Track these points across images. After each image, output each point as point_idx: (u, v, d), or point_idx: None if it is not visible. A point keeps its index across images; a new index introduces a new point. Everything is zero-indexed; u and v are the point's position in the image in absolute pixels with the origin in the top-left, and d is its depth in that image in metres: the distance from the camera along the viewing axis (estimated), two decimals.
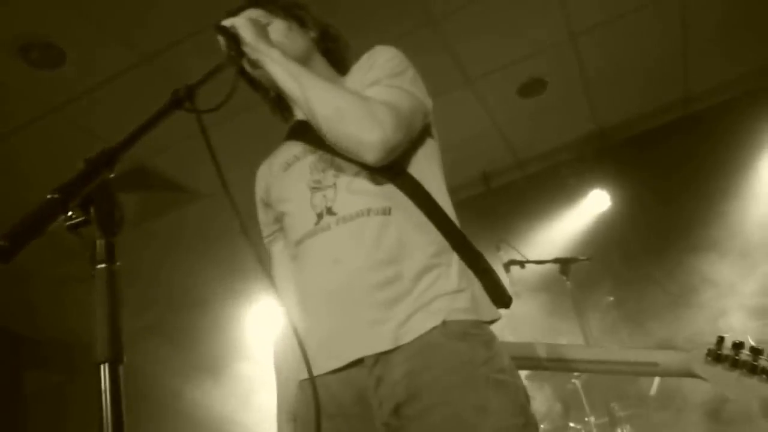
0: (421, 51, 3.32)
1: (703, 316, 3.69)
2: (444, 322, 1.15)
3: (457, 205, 1.37)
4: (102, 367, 0.75)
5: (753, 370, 1.39)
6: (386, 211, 1.23)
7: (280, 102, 1.51)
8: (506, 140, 4.55)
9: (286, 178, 1.38)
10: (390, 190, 1.26)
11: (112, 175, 0.85)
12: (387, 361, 1.14)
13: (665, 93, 4.35)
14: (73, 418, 5.15)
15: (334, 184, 1.28)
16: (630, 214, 4.26)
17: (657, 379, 3.34)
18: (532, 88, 4.04)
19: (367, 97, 1.24)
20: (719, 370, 1.44)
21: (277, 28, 1.42)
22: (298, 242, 1.31)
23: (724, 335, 1.45)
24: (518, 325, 3.34)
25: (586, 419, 3.38)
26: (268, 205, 1.47)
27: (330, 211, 1.26)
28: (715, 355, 1.44)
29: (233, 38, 1.27)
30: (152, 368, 4.51)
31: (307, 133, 1.36)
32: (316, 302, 1.25)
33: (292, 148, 1.41)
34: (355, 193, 1.26)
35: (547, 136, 4.54)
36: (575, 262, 3.49)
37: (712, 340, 1.45)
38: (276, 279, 1.44)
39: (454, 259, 1.24)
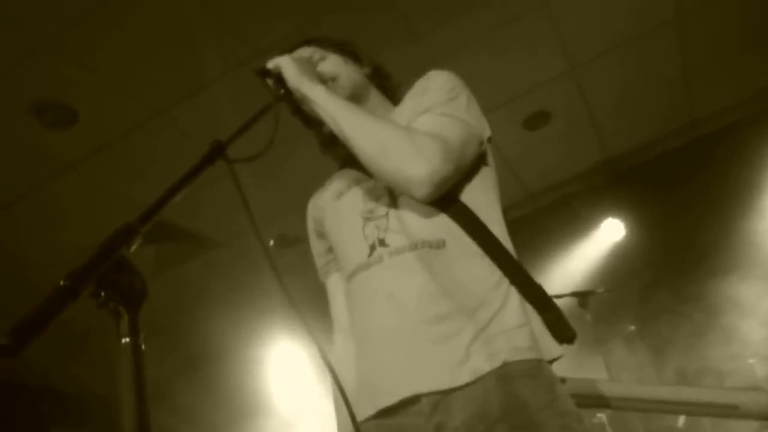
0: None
1: (727, 340, 3.65)
2: (504, 363, 1.10)
3: None
4: None
5: None
6: (440, 244, 1.19)
7: (334, 137, 1.51)
8: (515, 174, 4.57)
9: (339, 207, 1.36)
10: (444, 221, 1.21)
11: (131, 250, 0.85)
12: (446, 406, 1.09)
13: (671, 118, 4.37)
14: None
15: (387, 214, 1.25)
16: (645, 241, 4.24)
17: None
18: (537, 120, 4.08)
19: (412, 129, 1.21)
20: None
21: (333, 60, 1.44)
22: (351, 275, 1.28)
23: None
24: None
25: None
26: (321, 235, 1.45)
27: (382, 243, 1.23)
28: None
29: (278, 78, 1.27)
30: (170, 420, 4.49)
31: (359, 161, 1.33)
32: (371, 338, 1.22)
33: (345, 177, 1.39)
34: (408, 224, 1.22)
35: (556, 167, 4.56)
36: (594, 294, 3.47)
37: (742, 365, 1.40)
38: (333, 312, 1.41)
39: (512, 292, 1.18)
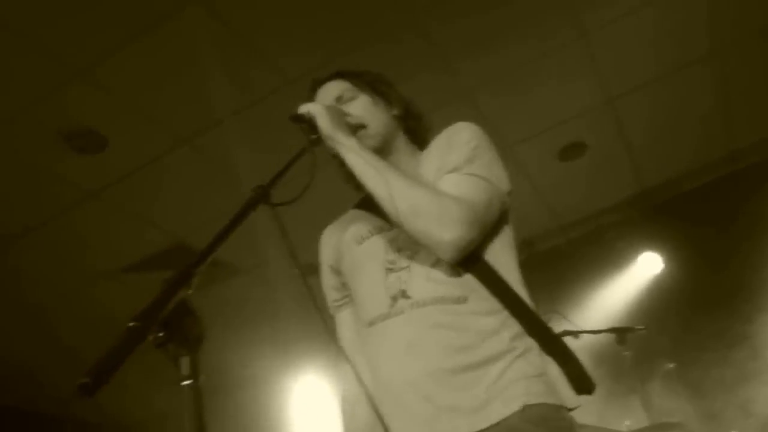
0: (458, 119, 3.46)
1: None
2: (524, 407, 1.14)
3: None
4: None
5: None
6: (462, 300, 1.24)
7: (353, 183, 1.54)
8: (548, 205, 4.54)
9: (360, 253, 1.39)
10: (465, 278, 1.26)
11: (190, 292, 0.87)
12: None
13: (708, 150, 4.32)
14: None
15: (409, 267, 1.29)
16: (684, 275, 4.15)
17: None
18: (572, 151, 4.07)
19: (442, 193, 1.26)
20: None
21: (361, 102, 1.47)
22: (371, 323, 1.32)
23: None
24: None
25: None
26: (337, 272, 1.48)
27: (404, 295, 1.27)
28: None
29: (310, 123, 1.31)
30: None
31: (380, 207, 1.36)
32: (390, 389, 1.25)
33: (366, 222, 1.42)
34: (430, 279, 1.27)
35: (590, 199, 4.52)
36: (632, 332, 3.39)
37: None
38: (344, 342, 1.44)
39: (533, 344, 1.24)
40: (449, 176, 1.30)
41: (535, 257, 4.72)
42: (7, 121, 3.00)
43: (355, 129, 1.41)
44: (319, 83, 1.53)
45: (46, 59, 2.75)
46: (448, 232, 1.20)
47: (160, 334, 0.80)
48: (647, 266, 4.34)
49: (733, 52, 3.56)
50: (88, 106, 3.02)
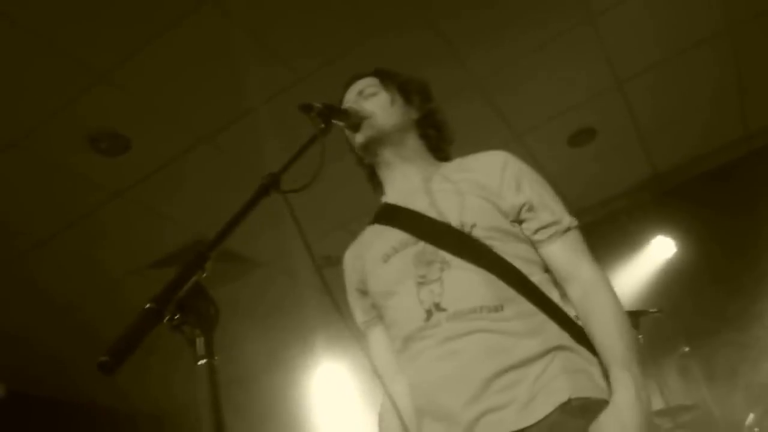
0: (468, 109, 3.52)
1: None
2: (569, 399, 1.15)
3: None
4: None
5: None
6: (498, 309, 1.24)
7: (372, 177, 1.57)
8: (559, 191, 4.52)
9: (388, 270, 1.38)
10: (500, 286, 1.26)
11: (204, 275, 0.93)
12: None
13: (723, 131, 4.31)
14: None
15: (440, 278, 1.28)
16: (698, 258, 4.16)
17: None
18: (582, 137, 4.08)
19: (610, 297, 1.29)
20: None
21: (379, 99, 1.51)
22: (407, 338, 1.31)
23: None
24: None
25: None
26: (364, 293, 1.48)
27: (439, 307, 1.26)
28: None
29: (325, 108, 1.33)
30: None
31: (400, 219, 1.39)
32: (432, 395, 1.25)
33: (389, 237, 1.40)
34: (465, 289, 1.26)
35: (602, 184, 4.53)
36: (645, 314, 3.43)
37: None
38: (377, 360, 1.43)
39: (571, 343, 1.25)
40: (562, 239, 1.35)
41: None
42: (35, 127, 3.11)
43: (359, 120, 1.45)
44: (354, 78, 1.57)
45: (70, 63, 2.84)
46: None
47: (176, 316, 0.85)
48: (660, 250, 4.35)
49: (746, 29, 3.52)
50: (110, 109, 3.12)
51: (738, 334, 3.74)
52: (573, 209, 4.82)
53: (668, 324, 3.74)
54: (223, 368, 0.88)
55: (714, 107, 4.08)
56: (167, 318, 0.84)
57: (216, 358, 0.87)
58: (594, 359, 1.24)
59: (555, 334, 1.24)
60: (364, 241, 1.51)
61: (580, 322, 1.28)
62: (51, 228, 3.77)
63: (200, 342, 0.87)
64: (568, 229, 1.35)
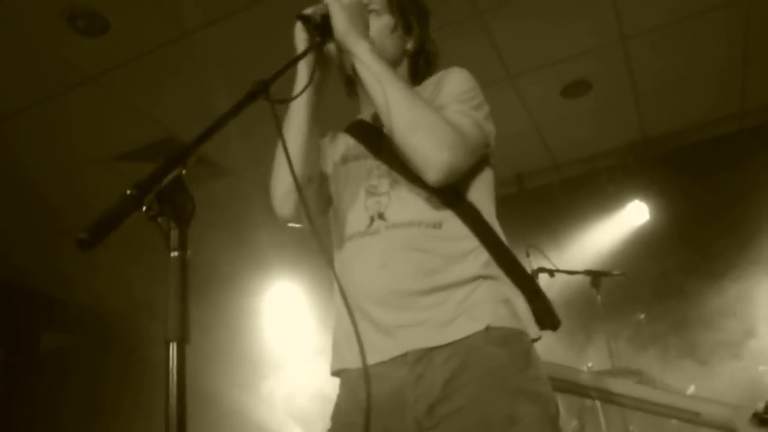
0: (464, 41, 3.48)
1: (738, 339, 3.72)
2: (488, 327, 1.24)
3: None
4: (171, 345, 0.85)
5: None
6: (436, 225, 1.32)
7: (349, 88, 1.57)
8: (544, 141, 4.60)
9: (344, 172, 1.47)
10: (442, 209, 1.34)
11: (184, 171, 0.94)
12: (429, 360, 1.24)
13: (720, 105, 4.36)
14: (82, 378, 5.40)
15: (388, 193, 1.37)
16: (669, 229, 4.28)
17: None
18: (576, 89, 4.09)
19: (443, 117, 1.31)
20: None
21: (381, 22, 1.48)
22: (347, 239, 1.40)
23: None
24: (543, 335, 3.40)
25: None
26: (324, 177, 1.52)
27: (381, 216, 1.35)
28: (761, 419, 1.55)
29: (322, 21, 1.32)
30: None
31: (367, 136, 1.46)
32: (361, 302, 1.32)
33: (352, 146, 1.49)
34: (408, 205, 1.35)
35: (588, 140, 4.58)
36: (608, 275, 3.55)
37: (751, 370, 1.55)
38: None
39: (501, 274, 1.32)
40: (443, 112, 1.34)
41: (525, 193, 4.83)
42: None
43: None
44: None
45: None
46: (441, 153, 1.26)
47: (154, 206, 0.87)
48: (633, 215, 4.46)
49: (761, 3, 3.51)
50: None
51: (695, 308, 3.91)
52: (556, 161, 4.86)
53: (628, 290, 3.89)
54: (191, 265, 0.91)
55: (714, 79, 4.11)
56: (145, 207, 0.87)
57: (189, 251, 0.91)
58: (518, 292, 1.32)
59: (484, 261, 1.31)
60: (335, 138, 1.58)
61: (512, 251, 1.36)
62: (18, 102, 3.69)
63: (174, 235, 0.90)
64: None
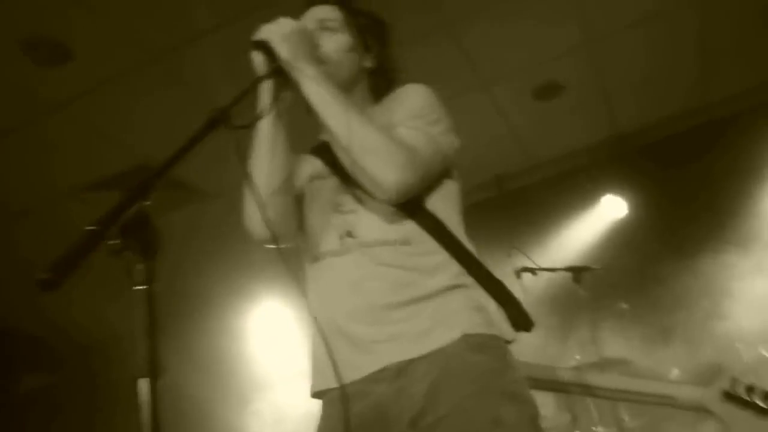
0: (435, 51, 3.51)
1: (718, 324, 3.78)
2: (464, 335, 1.26)
3: (468, 209, 1.48)
4: (141, 382, 0.84)
5: (763, 412, 1.56)
6: (405, 242, 1.34)
7: (310, 114, 1.57)
8: (520, 143, 4.65)
9: (310, 191, 1.49)
10: (409, 224, 1.36)
11: (148, 203, 0.93)
12: (408, 372, 1.25)
13: (685, 100, 4.44)
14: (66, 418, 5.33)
15: (355, 211, 1.39)
16: (646, 221, 4.34)
17: None
18: (548, 91, 4.15)
19: (393, 138, 1.33)
20: (732, 409, 1.60)
21: (339, 40, 1.48)
22: (317, 258, 1.41)
23: (738, 377, 1.61)
24: (530, 333, 3.43)
25: (594, 429, 3.48)
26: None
27: (350, 234, 1.37)
28: (729, 395, 1.61)
29: (270, 53, 1.31)
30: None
31: (329, 157, 1.46)
32: (336, 320, 1.33)
33: (317, 166, 1.50)
34: (375, 223, 1.36)
35: (563, 140, 4.64)
36: (588, 270, 3.59)
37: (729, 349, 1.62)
38: None
39: (472, 282, 1.35)
40: (396, 129, 1.36)
41: (505, 196, 4.87)
42: None
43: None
44: (315, 1, 1.53)
45: None
46: (391, 173, 1.27)
47: (117, 241, 0.86)
48: (611, 210, 4.52)
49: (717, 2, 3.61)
50: (54, 16, 2.99)
51: (676, 297, 3.97)
52: (533, 163, 4.91)
53: (610, 282, 3.94)
54: (167, 296, 0.90)
55: (678, 76, 4.21)
56: (109, 241, 0.85)
57: (155, 284, 0.90)
58: (490, 298, 1.35)
59: (455, 272, 1.34)
60: (302, 157, 1.57)
61: (481, 260, 1.39)
62: None
63: (139, 269, 0.89)
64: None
